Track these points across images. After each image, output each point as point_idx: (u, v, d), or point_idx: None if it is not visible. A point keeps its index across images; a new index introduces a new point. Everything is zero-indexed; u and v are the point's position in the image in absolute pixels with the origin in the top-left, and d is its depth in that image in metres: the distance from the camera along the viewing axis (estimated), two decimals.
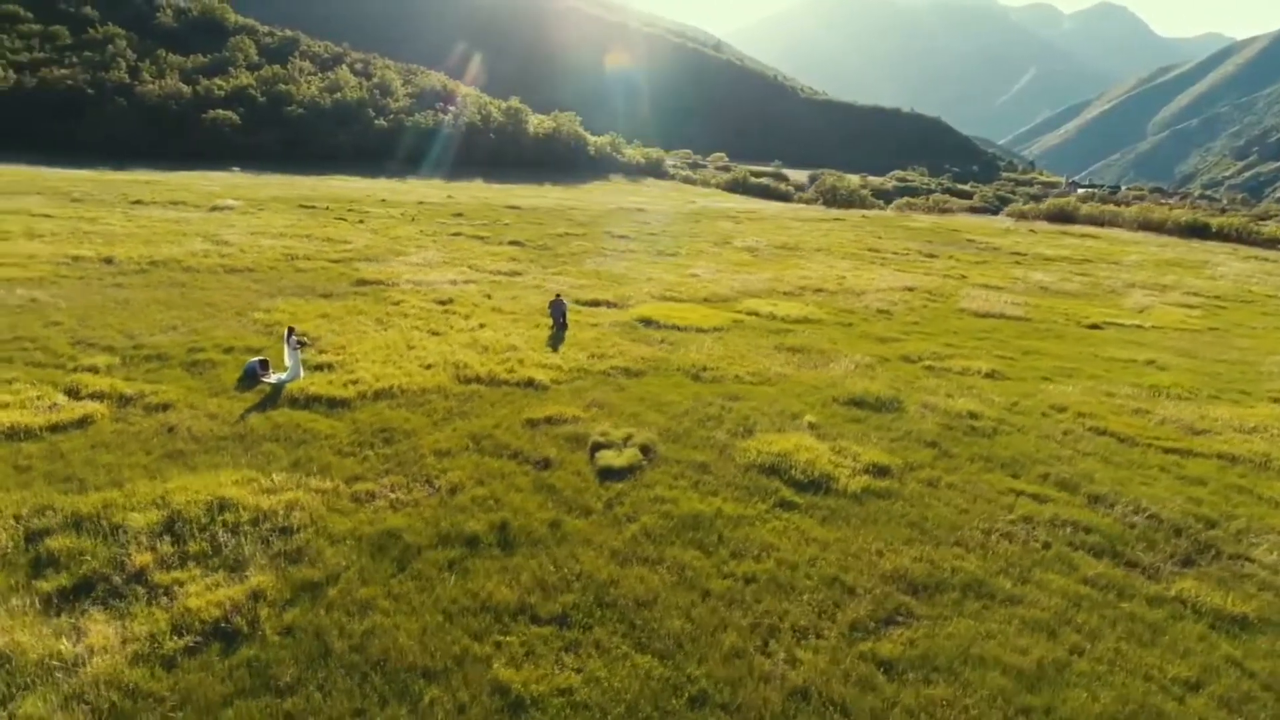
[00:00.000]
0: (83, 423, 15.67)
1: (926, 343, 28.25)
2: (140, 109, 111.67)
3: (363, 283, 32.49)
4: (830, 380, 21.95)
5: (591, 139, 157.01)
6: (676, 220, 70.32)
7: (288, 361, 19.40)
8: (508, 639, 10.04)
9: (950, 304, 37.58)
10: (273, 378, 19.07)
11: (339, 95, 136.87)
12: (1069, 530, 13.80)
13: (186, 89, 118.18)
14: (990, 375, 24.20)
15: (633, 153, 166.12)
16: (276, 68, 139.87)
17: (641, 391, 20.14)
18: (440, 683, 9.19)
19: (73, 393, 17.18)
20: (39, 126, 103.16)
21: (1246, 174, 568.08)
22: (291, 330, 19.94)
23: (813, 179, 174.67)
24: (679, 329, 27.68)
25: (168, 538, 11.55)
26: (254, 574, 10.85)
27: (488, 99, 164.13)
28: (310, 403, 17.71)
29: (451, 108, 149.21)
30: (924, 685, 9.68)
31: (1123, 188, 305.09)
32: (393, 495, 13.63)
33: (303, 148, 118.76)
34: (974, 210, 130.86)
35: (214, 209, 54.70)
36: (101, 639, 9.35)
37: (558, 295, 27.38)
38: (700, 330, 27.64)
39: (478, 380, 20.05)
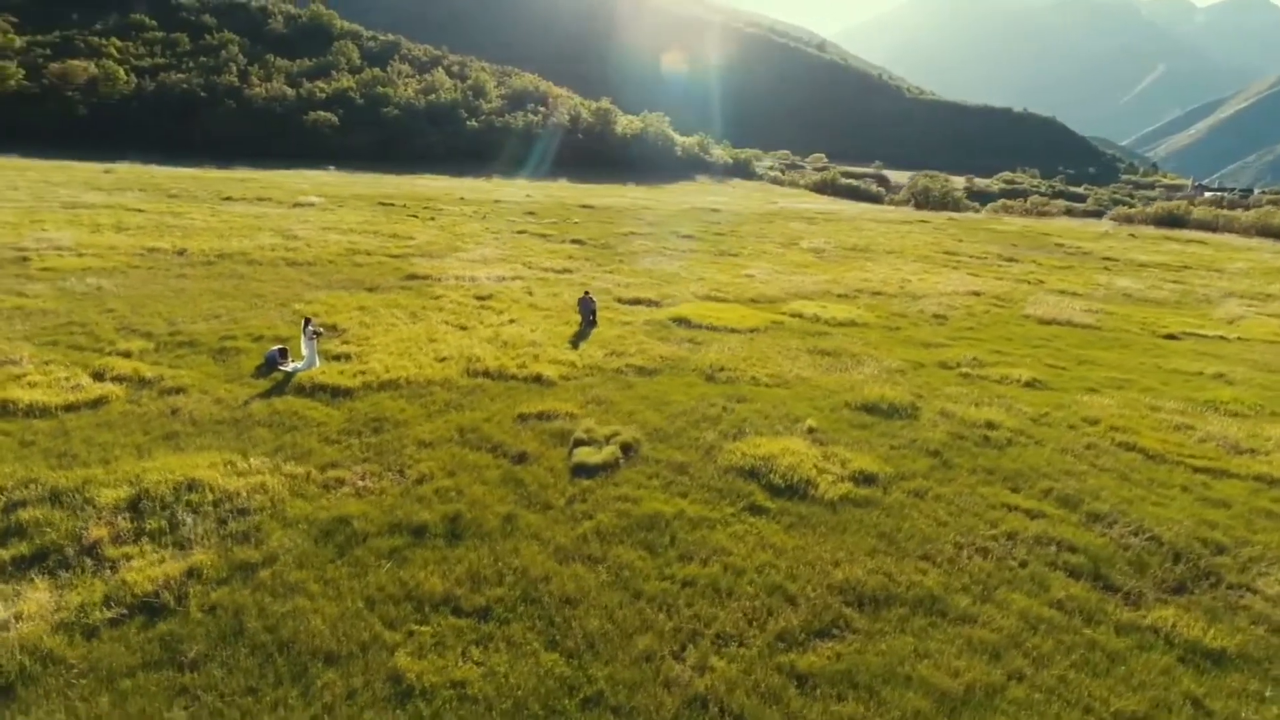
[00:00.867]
0: (96, 403, 16.56)
1: (973, 349, 27.06)
2: (247, 111, 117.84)
3: (412, 277, 33.33)
4: (850, 385, 21.26)
5: (679, 139, 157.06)
6: (748, 221, 69.54)
7: (304, 350, 20.03)
8: (422, 629, 10.08)
9: (1014, 310, 35.93)
10: (290, 366, 19.73)
11: (433, 97, 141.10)
12: (1053, 549, 12.95)
13: (290, 92, 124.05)
14: (1030, 384, 22.98)
15: (721, 153, 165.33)
16: (376, 71, 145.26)
17: (648, 390, 19.96)
18: (339, 667, 9.30)
19: (98, 375, 18.17)
20: (155, 127, 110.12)
21: None
22: (308, 320, 20.59)
23: (934, 180, 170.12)
24: (712, 329, 27.33)
25: (129, 514, 12.08)
26: (198, 552, 11.24)
27: (579, 100, 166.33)
28: (315, 391, 18.25)
29: (542, 109, 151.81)
30: (835, 702, 9.24)
31: (1256, 191, 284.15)
32: (361, 483, 13.89)
33: (396, 147, 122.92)
34: (1075, 213, 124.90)
35: (296, 205, 57.16)
36: (35, 606, 9.84)
37: (586, 292, 27.46)
38: (734, 331, 27.23)
39: (486, 374, 20.26)
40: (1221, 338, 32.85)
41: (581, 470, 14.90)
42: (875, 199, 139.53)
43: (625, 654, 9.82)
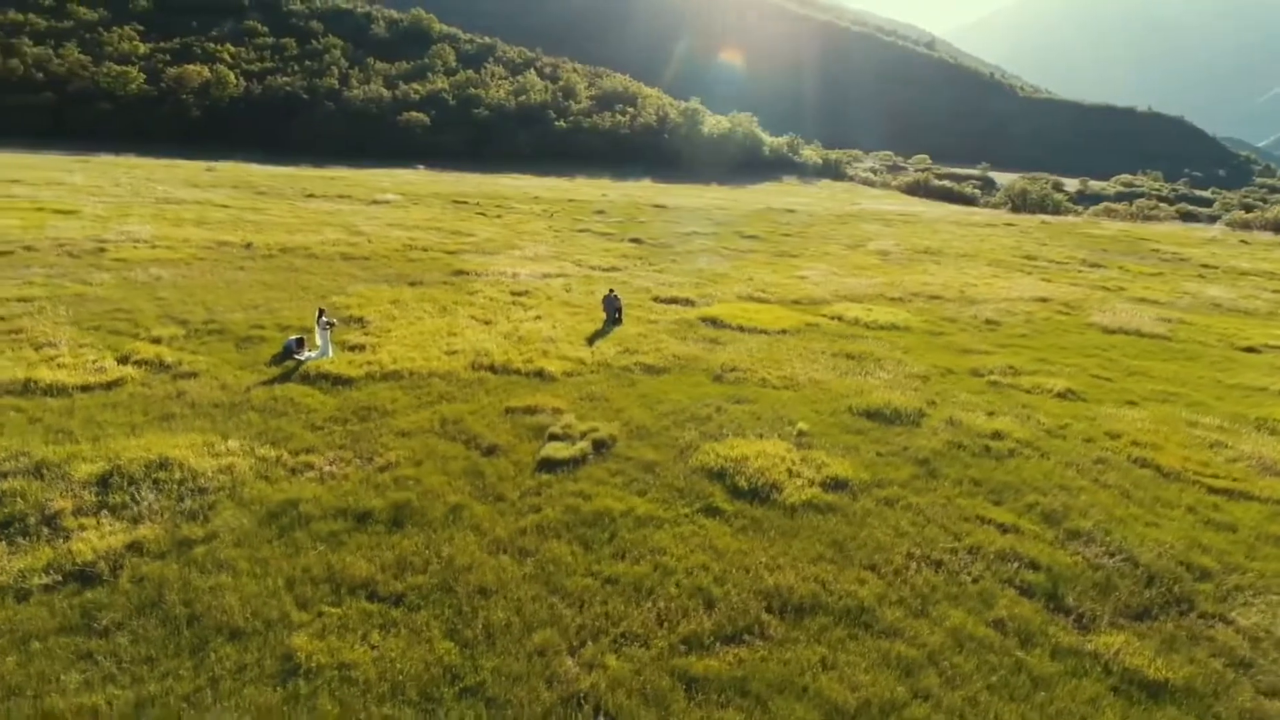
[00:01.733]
0: (111, 385, 17.56)
1: (1014, 357, 25.87)
2: (345, 112, 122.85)
3: (459, 273, 34.07)
4: (860, 389, 20.63)
5: (767, 140, 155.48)
6: (820, 222, 68.23)
7: (318, 340, 20.74)
8: (332, 611, 10.31)
9: (1079, 317, 34.16)
10: (304, 354, 20.47)
11: (524, 98, 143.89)
12: (1014, 565, 12.26)
13: (386, 93, 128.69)
14: (1062, 395, 21.83)
15: (811, 154, 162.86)
16: (470, 73, 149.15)
17: (649, 388, 19.87)
18: (239, 643, 9.61)
19: (124, 359, 19.26)
20: (261, 128, 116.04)
21: None
22: (322, 311, 21.34)
23: (1034, 182, 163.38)
24: (741, 330, 26.99)
25: (98, 488, 12.79)
26: (146, 527, 11.80)
27: (668, 100, 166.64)
28: (318, 379, 18.89)
29: (630, 110, 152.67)
30: (718, 708, 9.01)
31: None
32: (328, 468, 14.31)
33: (485, 147, 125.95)
34: (1198, 218, 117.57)
35: (373, 202, 59.23)
36: None
37: (611, 290, 27.51)
38: (763, 332, 26.80)
39: (490, 368, 20.54)
40: None
41: (547, 465, 14.94)
42: (969, 201, 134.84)
43: (521, 648, 9.81)
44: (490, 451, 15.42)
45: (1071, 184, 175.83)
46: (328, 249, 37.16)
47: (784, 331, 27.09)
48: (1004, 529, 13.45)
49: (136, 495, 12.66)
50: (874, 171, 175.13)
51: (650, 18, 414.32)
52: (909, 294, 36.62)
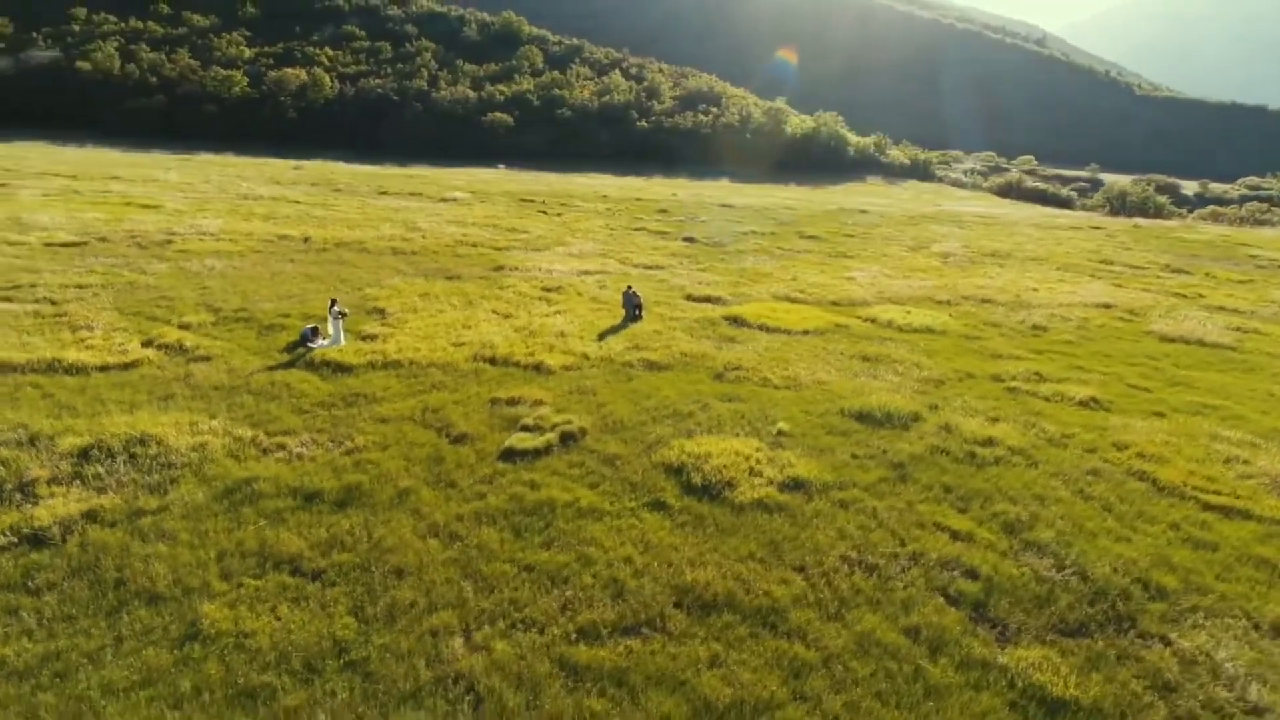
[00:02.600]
0: (128, 366, 18.71)
1: (1046, 364, 24.81)
2: (433, 113, 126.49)
3: (499, 268, 34.77)
4: (860, 391, 20.17)
5: (852, 140, 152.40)
6: (889, 223, 66.59)
7: (330, 329, 21.56)
8: (252, 583, 10.79)
9: (1139, 325, 32.47)
10: (318, 342, 21.31)
11: (607, 98, 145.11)
12: (952, 573, 11.84)
13: (473, 94, 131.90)
14: (1084, 403, 20.85)
15: (898, 154, 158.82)
16: (555, 74, 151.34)
17: (643, 384, 19.91)
18: (154, 608, 10.17)
19: (148, 343, 20.49)
20: (352, 128, 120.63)
21: None
22: (334, 301, 22.18)
23: (1135, 184, 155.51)
24: (764, 329, 26.70)
25: (77, 459, 13.69)
26: (107, 496, 12.57)
27: (753, 100, 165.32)
28: (321, 366, 19.65)
29: (714, 109, 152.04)
30: (589, 696, 9.06)
31: None
32: (298, 450, 14.90)
33: (567, 147, 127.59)
34: None
35: (442, 200, 60.88)
36: None
37: (629, 287, 27.64)
38: (785, 332, 26.46)
39: (490, 360, 20.94)
40: None
41: (509, 454, 15.19)
42: (1064, 204, 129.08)
43: (417, 627, 10.07)
44: (459, 440, 15.77)
45: (1190, 186, 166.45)
46: (381, 244, 38.44)
47: (808, 332, 26.67)
48: (957, 536, 12.99)
49: (111, 467, 13.49)
50: (966, 173, 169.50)
51: (746, 18, 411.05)
52: (959, 297, 35.46)
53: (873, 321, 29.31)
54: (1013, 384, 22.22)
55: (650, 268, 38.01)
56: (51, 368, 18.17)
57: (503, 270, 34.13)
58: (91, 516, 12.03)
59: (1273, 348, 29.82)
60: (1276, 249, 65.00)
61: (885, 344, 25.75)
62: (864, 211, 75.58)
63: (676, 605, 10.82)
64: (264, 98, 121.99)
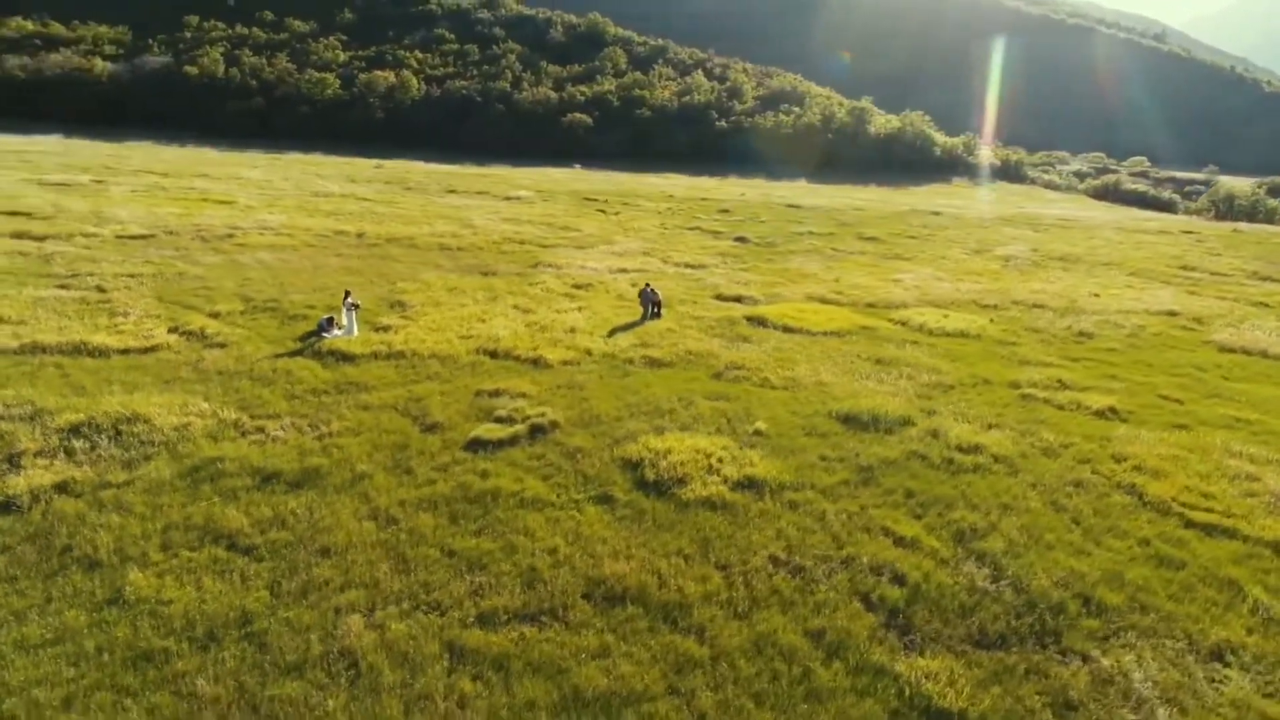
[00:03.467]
0: (147, 351, 19.85)
1: (1075, 372, 23.77)
2: (514, 114, 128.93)
3: (538, 264, 35.35)
4: (857, 394, 19.77)
5: (939, 140, 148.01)
6: (959, 225, 64.57)
7: (344, 320, 22.37)
8: (187, 555, 11.40)
9: (1199, 334, 30.74)
10: (333, 332, 22.14)
11: (687, 99, 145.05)
12: (880, 578, 11.56)
13: (554, 95, 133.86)
14: (1099, 413, 19.92)
15: (988, 154, 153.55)
16: (637, 75, 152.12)
17: (636, 381, 20.01)
18: (90, 573, 10.86)
19: (174, 329, 21.68)
20: (437, 129, 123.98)
21: None
22: (348, 293, 22.98)
23: (1249, 186, 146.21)
24: (786, 329, 26.42)
25: (68, 434, 14.65)
26: (81, 469, 13.43)
27: (837, 99, 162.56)
28: (326, 355, 20.43)
29: (795, 109, 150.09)
30: (464, 678, 9.26)
31: None
32: (276, 433, 15.58)
33: (645, 147, 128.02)
34: None
35: (506, 198, 62.09)
36: None
37: (648, 284, 27.73)
38: (805, 332, 26.11)
39: (492, 353, 21.36)
40: None
41: (475, 444, 15.52)
42: (1165, 207, 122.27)
43: (324, 603, 10.45)
44: (431, 428, 16.18)
45: None
46: (430, 240, 39.52)
47: (829, 333, 26.23)
48: (900, 542, 12.64)
49: (95, 443, 14.40)
50: (1065, 174, 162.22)
51: (843, 22, 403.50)
52: (1008, 301, 34.22)
53: (904, 324, 28.62)
54: (1029, 391, 21.37)
55: (691, 266, 37.97)
56: (78, 350, 19.43)
57: (539, 267, 34.66)
58: (62, 488, 12.87)
59: None
60: None
61: (907, 347, 25.11)
62: (936, 213, 73.49)
63: (585, 596, 10.90)
64: (354, 99, 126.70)
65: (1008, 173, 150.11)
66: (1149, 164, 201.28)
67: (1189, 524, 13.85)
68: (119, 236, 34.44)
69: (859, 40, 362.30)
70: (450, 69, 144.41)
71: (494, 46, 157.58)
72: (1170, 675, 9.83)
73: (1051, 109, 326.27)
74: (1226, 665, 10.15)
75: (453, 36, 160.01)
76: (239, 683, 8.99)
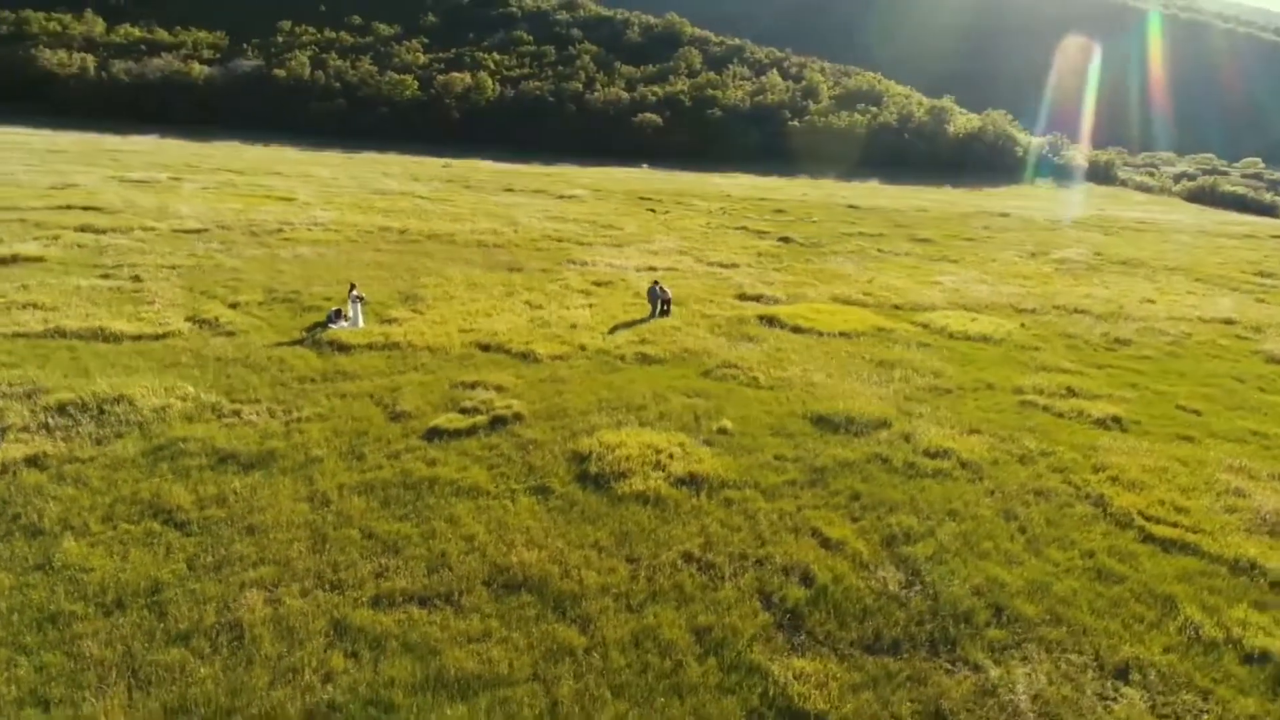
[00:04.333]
0: (159, 337, 20.91)
1: (1095, 380, 22.87)
2: (585, 114, 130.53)
3: (568, 261, 35.79)
4: (838, 395, 19.42)
5: (1022, 139, 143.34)
6: (1024, 228, 62.39)
7: (349, 312, 23.14)
8: (127, 528, 12.04)
9: (1252, 344, 29.18)
10: (340, 324, 22.93)
11: (760, 98, 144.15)
12: (788, 579, 11.42)
13: (625, 95, 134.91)
14: (1099, 421, 19.14)
15: (1075, 154, 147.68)
16: (710, 75, 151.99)
17: (620, 377, 20.13)
18: (30, 540, 11.57)
19: (190, 318, 22.77)
20: (510, 129, 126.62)
21: None
22: (353, 286, 23.75)
23: None
24: (797, 330, 26.15)
25: (54, 412, 15.59)
26: (55, 444, 14.31)
27: (918, 98, 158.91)
28: (326, 345, 21.16)
29: (872, 109, 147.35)
30: (337, 653, 9.55)
31: None
32: (250, 417, 16.25)
33: (714, 147, 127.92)
34: None
35: (560, 197, 62.95)
36: None
37: (655, 282, 27.80)
38: (815, 333, 25.78)
39: (485, 347, 21.79)
40: None
41: (433, 433, 15.89)
42: (1265, 210, 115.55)
43: (232, 578, 10.91)
44: (397, 417, 16.63)
45: None
46: (469, 237, 40.39)
47: (839, 334, 25.81)
48: (826, 544, 12.44)
49: (77, 420, 15.31)
50: (1155, 175, 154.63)
51: (931, 15, 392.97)
52: (1048, 305, 33.04)
53: (925, 327, 27.94)
54: (1031, 397, 20.62)
55: (724, 266, 37.81)
56: (95, 335, 20.63)
57: (567, 264, 35.05)
58: (32, 460, 13.73)
59: None
60: None
61: (916, 350, 24.52)
62: (1004, 215, 71.22)
63: (486, 583, 11.09)
64: (431, 100, 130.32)
65: (1097, 174, 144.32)
66: (1262, 164, 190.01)
67: (1147, 538, 13.19)
68: (174, 230, 36.27)
69: (947, 38, 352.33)
70: (526, 70, 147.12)
71: (570, 48, 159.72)
72: (1060, 690, 9.42)
73: (1164, 108, 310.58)
74: (1129, 684, 9.67)
75: (530, 38, 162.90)
76: (128, 647, 9.48)
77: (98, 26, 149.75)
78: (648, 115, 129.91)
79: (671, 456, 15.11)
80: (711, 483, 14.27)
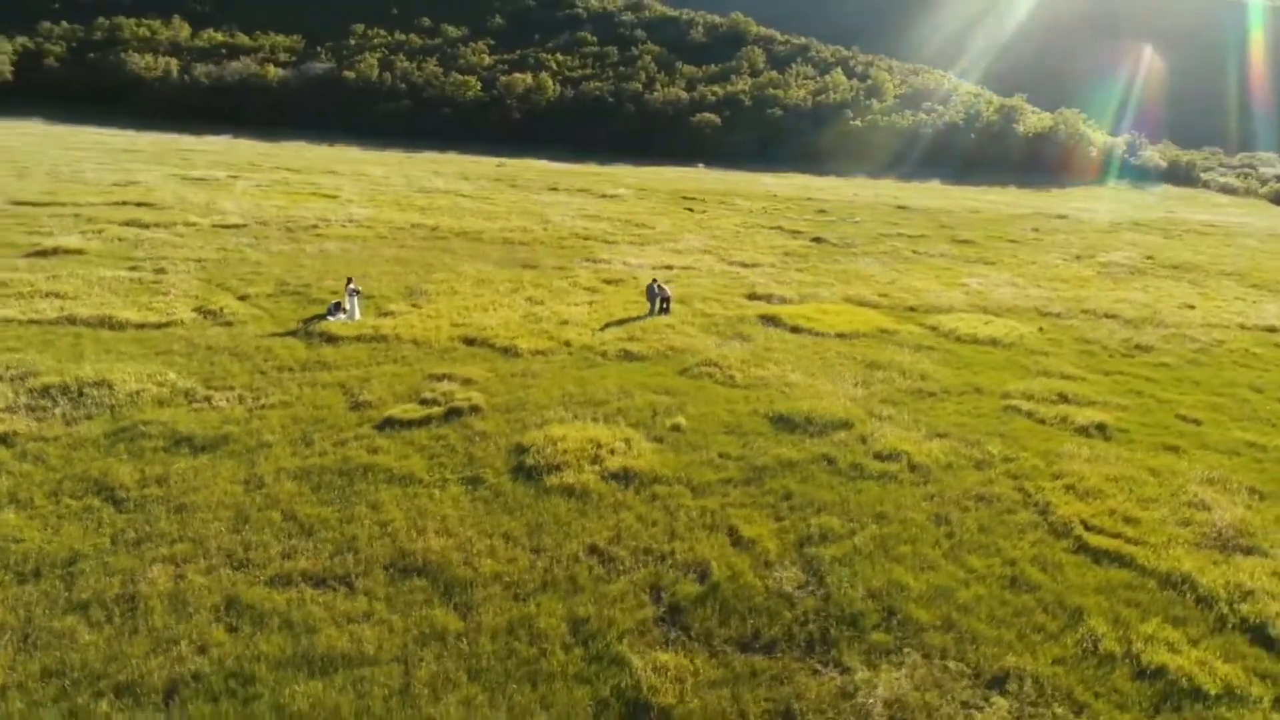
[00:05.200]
0: (162, 326, 21.95)
1: (1096, 387, 22.09)
2: (644, 114, 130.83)
3: (588, 259, 36.12)
4: (810, 394, 19.24)
5: (1097, 139, 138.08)
6: (1078, 230, 60.23)
7: (347, 305, 23.86)
8: (69, 502, 12.77)
9: None
10: (338, 316, 23.66)
11: (822, 97, 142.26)
12: (684, 575, 11.46)
13: (685, 95, 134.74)
14: (1083, 429, 18.51)
15: (1153, 155, 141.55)
16: (773, 73, 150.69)
17: (596, 373, 20.32)
18: None
19: (197, 308, 23.79)
20: (569, 129, 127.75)
21: None
22: (350, 280, 24.45)
23: None
24: (795, 330, 25.95)
25: (38, 394, 16.54)
26: (27, 423, 15.19)
27: (988, 97, 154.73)
28: (316, 337, 21.88)
29: (939, 108, 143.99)
30: (221, 627, 9.97)
31: None
32: (219, 401, 16.98)
33: (774, 146, 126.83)
34: None
35: (602, 196, 63.34)
36: None
37: (654, 281, 27.86)
38: (813, 333, 25.51)
39: (470, 341, 22.22)
40: None
41: (387, 423, 16.34)
42: None
43: (148, 554, 11.47)
44: (358, 406, 17.14)
45: None
46: (497, 235, 41.04)
47: (838, 335, 25.52)
48: (738, 542, 12.42)
49: (56, 402, 16.22)
50: (1240, 176, 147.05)
51: (1008, 14, 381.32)
52: (1076, 309, 32.00)
53: (933, 329, 27.36)
54: (1016, 402, 20.06)
55: (744, 265, 37.64)
56: (102, 323, 21.75)
57: (583, 262, 35.34)
58: (3, 438, 14.62)
59: None
60: None
61: (912, 352, 24.07)
62: (1062, 216, 68.91)
63: (386, 567, 11.41)
64: (493, 101, 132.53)
65: (1177, 175, 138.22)
66: None
67: (1080, 548, 12.76)
68: (215, 226, 37.78)
69: (1026, 36, 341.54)
70: (588, 70, 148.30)
71: (633, 48, 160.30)
72: (925, 696, 9.24)
73: (1266, 105, 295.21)
74: (1002, 693, 9.42)
75: (594, 39, 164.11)
76: (29, 614, 10.08)
77: (183, 31, 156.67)
78: (706, 115, 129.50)
79: (612, 451, 15.23)
80: (644, 478, 14.33)
